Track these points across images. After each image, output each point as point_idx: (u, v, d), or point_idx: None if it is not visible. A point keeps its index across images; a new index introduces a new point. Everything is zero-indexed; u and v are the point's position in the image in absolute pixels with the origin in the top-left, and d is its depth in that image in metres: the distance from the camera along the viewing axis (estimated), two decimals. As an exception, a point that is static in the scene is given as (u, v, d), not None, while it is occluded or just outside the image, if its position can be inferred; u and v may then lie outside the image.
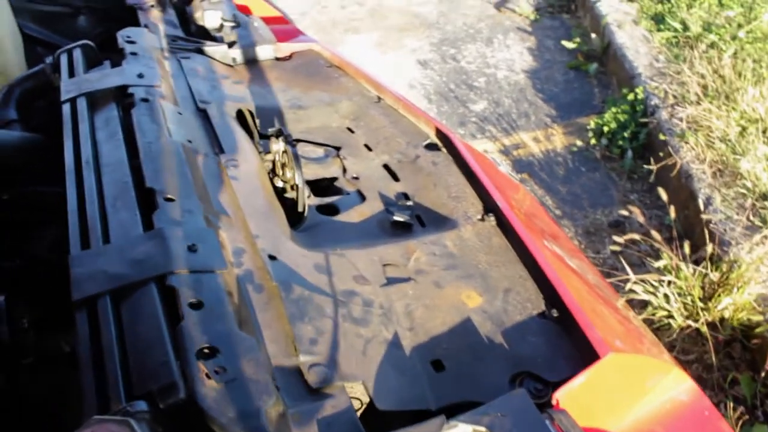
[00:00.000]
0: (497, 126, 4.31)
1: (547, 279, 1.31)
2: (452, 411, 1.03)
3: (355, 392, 1.12)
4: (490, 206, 1.54)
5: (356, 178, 1.69)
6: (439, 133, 1.82)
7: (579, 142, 4.09)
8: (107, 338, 1.06)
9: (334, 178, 1.70)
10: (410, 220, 1.54)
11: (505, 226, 1.48)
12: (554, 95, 4.59)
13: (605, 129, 3.99)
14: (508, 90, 4.66)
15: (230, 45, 2.10)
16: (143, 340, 1.04)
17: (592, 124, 4.12)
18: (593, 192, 3.74)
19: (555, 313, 1.27)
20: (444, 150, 1.78)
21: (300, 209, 1.53)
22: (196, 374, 0.99)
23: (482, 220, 1.52)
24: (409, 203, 1.60)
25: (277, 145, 1.60)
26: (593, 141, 4.04)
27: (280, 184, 1.61)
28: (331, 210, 1.58)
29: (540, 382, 1.14)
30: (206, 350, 1.04)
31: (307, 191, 1.55)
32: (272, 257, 1.30)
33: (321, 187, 1.68)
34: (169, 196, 1.32)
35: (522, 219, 1.50)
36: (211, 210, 1.35)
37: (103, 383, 1.01)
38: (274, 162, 1.64)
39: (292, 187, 1.57)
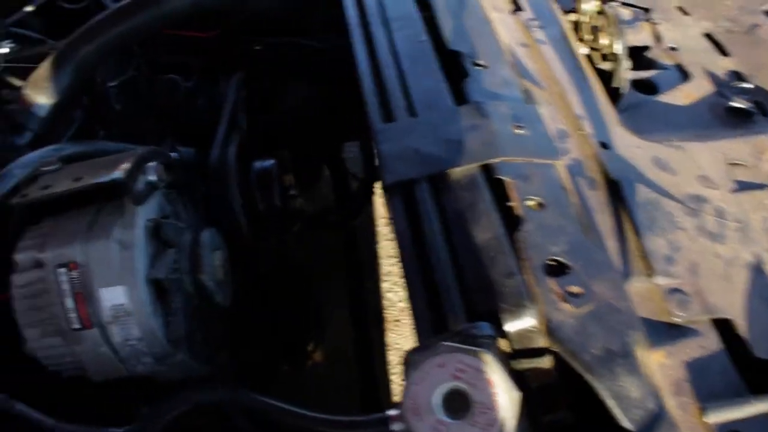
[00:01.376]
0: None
1: None
2: None
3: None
4: None
5: (674, 49, 1.38)
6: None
7: None
8: (431, 235, 0.89)
9: (645, 47, 1.41)
10: (751, 107, 1.24)
11: None
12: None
13: None
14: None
15: None
16: (477, 242, 0.87)
17: None
18: None
19: None
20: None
21: (616, 84, 1.27)
22: (547, 295, 0.81)
23: None
24: (748, 85, 1.28)
25: (588, 5, 1.32)
26: None
27: (584, 50, 1.35)
28: (649, 87, 1.30)
29: None
30: (554, 264, 0.84)
31: (627, 63, 1.28)
32: (604, 145, 1.06)
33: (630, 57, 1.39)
34: (479, 61, 1.11)
35: None
36: (524, 82, 1.12)
37: (433, 292, 0.85)
38: (577, 24, 1.37)
39: (604, 57, 1.30)
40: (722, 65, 1.34)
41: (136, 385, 1.08)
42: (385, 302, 2.50)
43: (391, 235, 2.58)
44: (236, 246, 1.22)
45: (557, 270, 0.83)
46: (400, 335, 2.42)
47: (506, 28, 1.24)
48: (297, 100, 1.84)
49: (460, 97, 1.06)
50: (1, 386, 1.07)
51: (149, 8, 1.34)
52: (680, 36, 1.41)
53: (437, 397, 0.71)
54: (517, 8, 1.34)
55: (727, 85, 1.29)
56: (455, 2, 1.24)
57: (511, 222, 0.89)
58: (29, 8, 1.66)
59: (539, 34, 1.27)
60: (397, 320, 2.46)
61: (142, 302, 0.96)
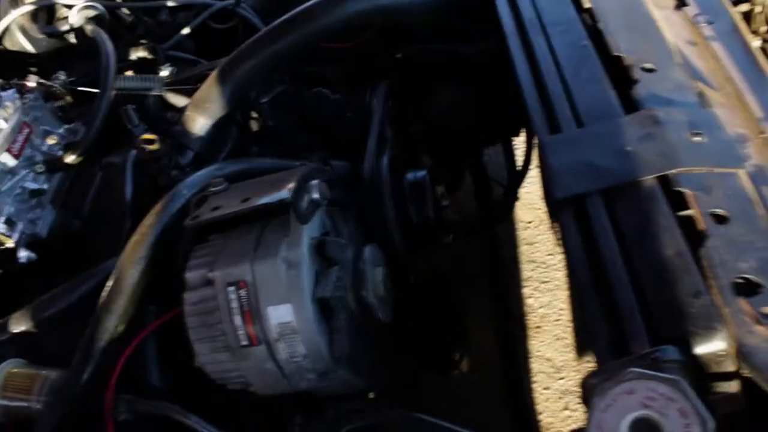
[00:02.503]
0: None
1: None
2: None
3: None
4: None
5: None
6: None
7: None
8: (609, 252, 0.85)
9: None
10: None
11: None
12: None
13: None
14: None
15: None
16: (658, 260, 0.82)
17: None
18: None
19: None
20: None
21: (796, 80, 1.17)
22: (738, 316, 0.75)
23: None
24: None
25: (764, -7, 1.22)
26: None
27: (757, 43, 1.25)
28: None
29: None
30: (743, 282, 0.78)
31: (810, 55, 1.17)
32: (790, 148, 0.98)
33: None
34: (647, 65, 1.05)
35: None
36: (698, 85, 1.05)
37: (612, 312, 0.81)
38: (749, 15, 1.27)
39: (783, 50, 1.20)
40: None
41: (294, 397, 1.10)
42: (525, 308, 2.45)
43: (532, 240, 2.52)
44: (390, 260, 1.22)
45: (748, 289, 0.77)
46: (542, 342, 2.35)
47: (672, 26, 1.16)
48: (442, 107, 1.82)
49: (630, 104, 1.00)
50: (172, 397, 1.12)
51: (303, 25, 1.36)
52: None
53: (625, 426, 0.67)
54: (682, 3, 1.26)
55: None
56: (616, 3, 1.18)
57: (695, 237, 0.83)
58: (185, 31, 1.74)
59: (708, 30, 1.18)
60: (538, 326, 2.40)
61: (308, 320, 0.97)
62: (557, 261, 2.50)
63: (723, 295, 0.76)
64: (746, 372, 0.72)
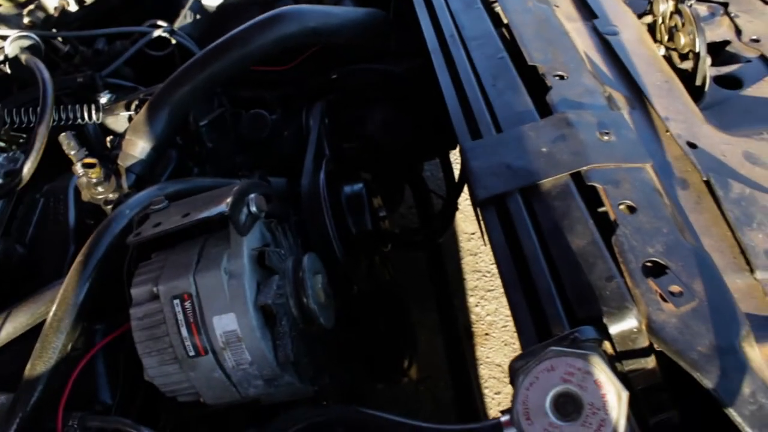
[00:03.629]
0: None
1: None
2: None
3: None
4: None
5: (756, 41, 1.36)
6: None
7: None
8: (529, 246, 0.91)
9: (725, 42, 1.39)
10: None
11: None
12: None
13: None
14: None
15: None
16: (573, 250, 0.88)
17: None
18: None
19: None
20: None
21: (698, 82, 1.26)
22: (648, 295, 0.82)
23: None
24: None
25: (664, 5, 1.32)
26: None
27: (661, 52, 1.35)
28: (733, 82, 1.29)
29: None
30: (651, 265, 0.85)
31: (708, 60, 1.27)
32: (692, 145, 1.06)
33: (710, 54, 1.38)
34: (559, 73, 1.12)
35: None
36: (607, 89, 1.13)
37: (534, 301, 0.87)
38: (653, 26, 1.37)
39: (683, 56, 1.30)
40: (809, 54, 1.32)
41: (243, 408, 1.13)
42: (473, 317, 2.51)
43: (475, 251, 2.59)
44: (331, 270, 1.26)
45: (656, 271, 0.84)
46: (491, 348, 2.42)
47: (582, 37, 1.25)
48: (377, 124, 1.88)
49: (544, 109, 1.08)
50: (124, 414, 1.14)
51: (235, 49, 1.41)
52: (762, 27, 1.39)
53: (548, 401, 0.73)
54: (592, 16, 1.35)
55: (816, 73, 1.27)
56: (530, 17, 1.26)
57: (606, 227, 0.90)
58: (122, 59, 1.77)
59: (615, 40, 1.28)
60: (486, 334, 2.47)
61: (251, 328, 1.01)
62: (500, 269, 2.57)
63: (633, 277, 0.83)
64: (657, 346, 0.79)
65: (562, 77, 1.12)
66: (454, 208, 2.09)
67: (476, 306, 2.52)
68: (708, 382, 0.75)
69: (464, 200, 2.15)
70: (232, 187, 1.12)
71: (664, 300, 0.81)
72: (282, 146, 1.64)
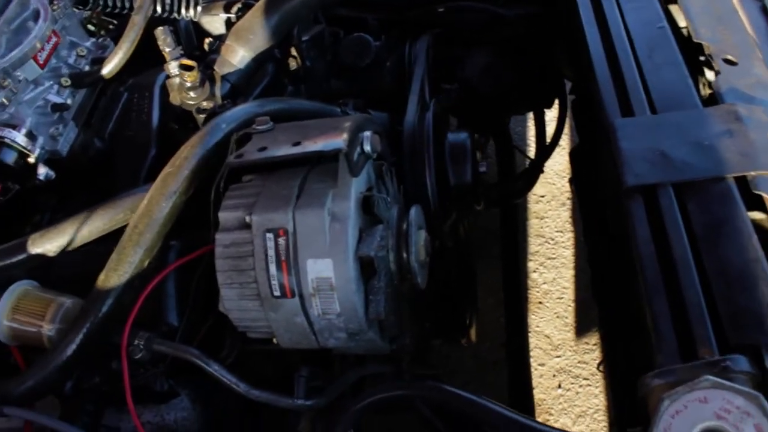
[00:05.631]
0: None
1: None
2: None
3: None
4: None
5: None
6: None
7: None
8: (679, 249, 0.81)
9: None
10: None
11: None
12: None
13: None
14: None
15: None
16: (732, 264, 0.78)
17: None
18: None
19: None
20: None
21: None
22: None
23: None
24: None
25: None
26: None
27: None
28: None
29: None
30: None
31: None
32: None
33: None
34: (728, 57, 0.99)
35: None
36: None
37: (681, 312, 0.77)
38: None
39: None
40: None
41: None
42: (529, 283, 2.42)
43: (541, 215, 2.48)
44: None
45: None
46: (542, 318, 2.34)
47: (753, 19, 1.11)
48: (477, 68, 1.76)
49: (709, 96, 0.96)
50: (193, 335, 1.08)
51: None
52: None
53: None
54: (759, -5, 1.20)
55: None
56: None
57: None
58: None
59: (787, 25, 1.14)
60: (540, 302, 2.38)
61: (348, 279, 0.93)
62: (566, 239, 2.47)
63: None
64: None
65: (731, 62, 0.99)
66: (540, 170, 1.99)
67: (534, 272, 2.43)
68: None
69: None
70: (344, 119, 1.02)
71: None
72: (383, 77, 1.53)
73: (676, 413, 0.66)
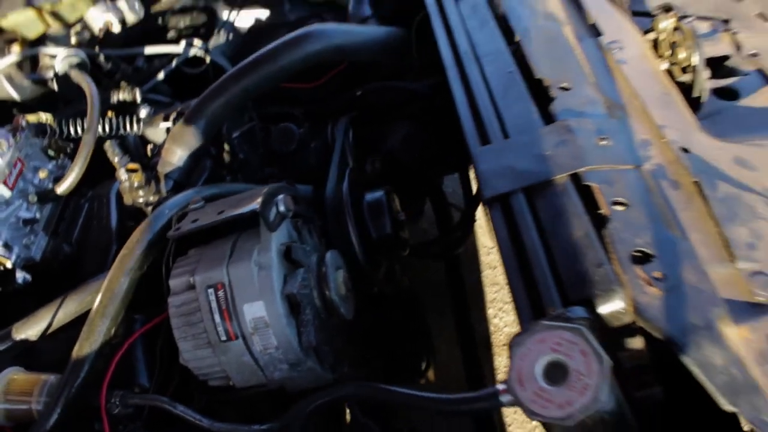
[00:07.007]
0: None
1: None
2: None
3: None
4: None
5: (755, 55, 1.45)
6: None
7: None
8: (529, 238, 1.01)
9: (725, 57, 1.48)
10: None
11: None
12: None
13: None
14: None
15: None
16: (568, 241, 0.98)
17: None
18: None
19: None
20: None
21: (696, 94, 1.35)
22: (634, 280, 0.91)
23: None
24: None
25: (666, 22, 1.41)
26: None
27: (664, 66, 1.43)
28: (731, 94, 1.38)
29: None
30: (639, 254, 0.94)
31: (707, 73, 1.36)
32: (685, 150, 1.15)
33: (711, 67, 1.47)
34: (563, 85, 1.22)
35: None
36: (608, 100, 1.23)
37: (532, 286, 0.96)
38: (656, 42, 1.46)
39: (683, 70, 1.39)
40: (805, 66, 1.40)
41: (270, 396, 1.23)
42: (491, 328, 2.59)
43: (494, 264, 2.67)
44: (353, 271, 1.36)
45: (642, 259, 0.93)
46: (509, 358, 2.48)
47: (588, 53, 1.35)
48: (398, 139, 1.98)
49: (548, 118, 1.17)
50: (163, 392, 1.24)
51: (266, 65, 1.53)
52: (761, 42, 1.48)
53: (538, 369, 0.81)
54: (598, 33, 1.44)
55: (812, 82, 1.35)
56: (540, 34, 1.36)
57: (600, 222, 0.99)
58: (160, 76, 1.90)
59: (619, 55, 1.37)
60: (505, 344, 2.53)
61: (278, 315, 1.11)
62: (518, 281, 2.65)
63: (621, 264, 0.92)
64: (641, 324, 0.88)
65: (565, 89, 1.21)
66: (473, 219, 2.18)
67: (495, 317, 2.60)
68: (684, 355, 0.83)
69: (483, 214, 2.23)
70: (261, 188, 1.23)
71: (649, 284, 0.90)
72: (308, 158, 1.75)
73: (523, 356, 0.84)
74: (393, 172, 1.94)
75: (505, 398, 0.85)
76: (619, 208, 1.00)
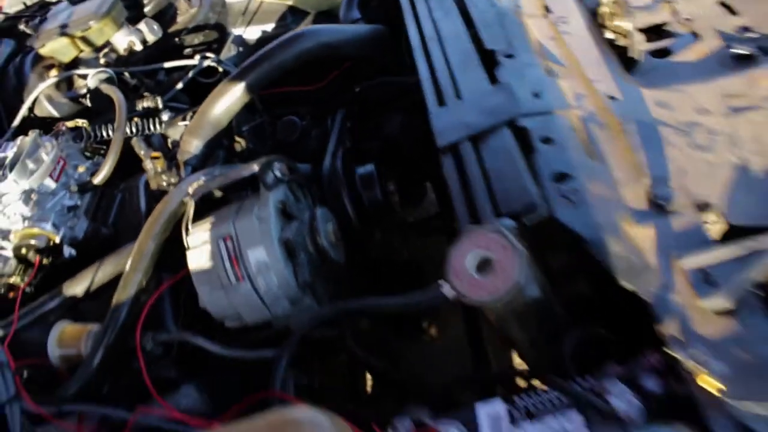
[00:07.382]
0: None
1: None
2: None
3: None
4: None
5: (689, 20, 1.64)
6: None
7: None
8: (472, 173, 1.22)
9: (663, 23, 1.68)
10: (755, 51, 1.47)
11: None
12: None
13: None
14: None
15: None
16: (503, 171, 1.19)
17: None
18: None
19: None
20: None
21: (632, 55, 1.55)
22: (553, 195, 1.11)
23: None
24: (753, 35, 1.52)
25: (606, -2, 1.62)
26: None
27: (609, 35, 1.64)
28: (665, 53, 1.57)
29: None
30: (560, 175, 1.15)
31: (640, 36, 1.56)
32: (612, 97, 1.35)
33: (651, 34, 1.67)
34: (508, 53, 1.44)
35: None
36: (548, 63, 1.44)
37: (472, 208, 1.17)
38: (600, 14, 1.67)
39: (624, 36, 1.59)
40: (732, 23, 1.58)
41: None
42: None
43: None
44: (348, 234, 1.58)
45: (561, 179, 1.14)
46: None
47: (537, 28, 1.56)
48: (394, 126, 2.19)
49: (495, 81, 1.39)
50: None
51: (264, 63, 1.77)
52: (695, 8, 1.67)
53: (470, 263, 1.02)
54: (547, 11, 1.66)
55: (734, 38, 1.53)
56: (493, 13, 1.58)
57: (528, 152, 1.20)
58: (179, 86, 2.16)
59: (565, 28, 1.58)
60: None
61: (277, 258, 1.33)
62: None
63: (544, 184, 1.13)
64: (558, 228, 1.08)
65: (510, 56, 1.43)
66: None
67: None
68: (594, 247, 1.04)
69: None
70: (260, 158, 1.46)
71: (566, 198, 1.10)
72: (309, 145, 1.98)
73: (458, 254, 1.03)
74: (394, 160, 2.16)
75: (445, 289, 1.05)
76: (545, 142, 1.21)
